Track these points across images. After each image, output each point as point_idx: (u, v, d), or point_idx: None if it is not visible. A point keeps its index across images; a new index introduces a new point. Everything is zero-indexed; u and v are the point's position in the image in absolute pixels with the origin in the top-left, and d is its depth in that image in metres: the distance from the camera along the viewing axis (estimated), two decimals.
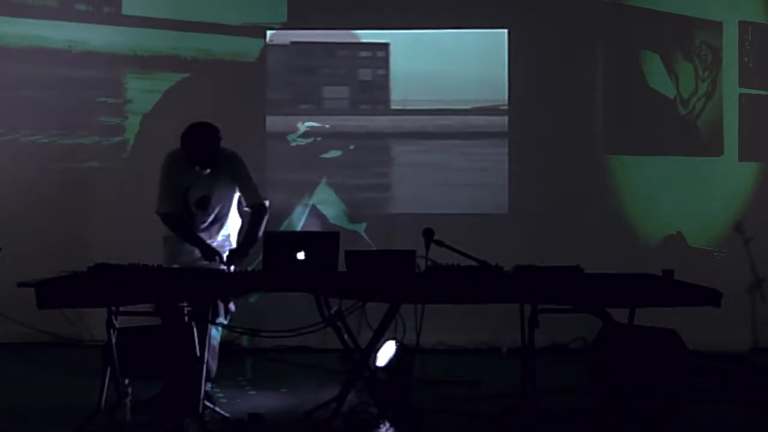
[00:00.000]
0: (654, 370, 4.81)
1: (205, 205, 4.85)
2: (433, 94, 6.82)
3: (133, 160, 6.78)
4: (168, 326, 4.58)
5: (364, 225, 6.76)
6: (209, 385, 4.76)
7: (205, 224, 4.89)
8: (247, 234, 4.86)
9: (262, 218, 4.86)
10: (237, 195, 4.98)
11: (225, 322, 4.83)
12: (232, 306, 4.85)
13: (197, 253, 4.79)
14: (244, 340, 6.34)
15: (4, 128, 6.83)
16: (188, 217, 4.85)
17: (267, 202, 4.93)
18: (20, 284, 4.07)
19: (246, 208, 4.97)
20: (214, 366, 4.82)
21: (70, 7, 6.82)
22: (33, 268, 4.79)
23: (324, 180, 6.82)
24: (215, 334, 4.77)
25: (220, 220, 4.94)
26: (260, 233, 4.81)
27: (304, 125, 6.83)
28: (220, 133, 4.79)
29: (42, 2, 6.79)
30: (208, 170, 4.77)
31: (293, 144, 6.83)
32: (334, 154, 6.86)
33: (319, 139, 6.85)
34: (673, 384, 5.08)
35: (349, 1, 6.82)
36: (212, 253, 4.73)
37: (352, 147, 6.86)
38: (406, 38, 6.82)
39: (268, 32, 6.82)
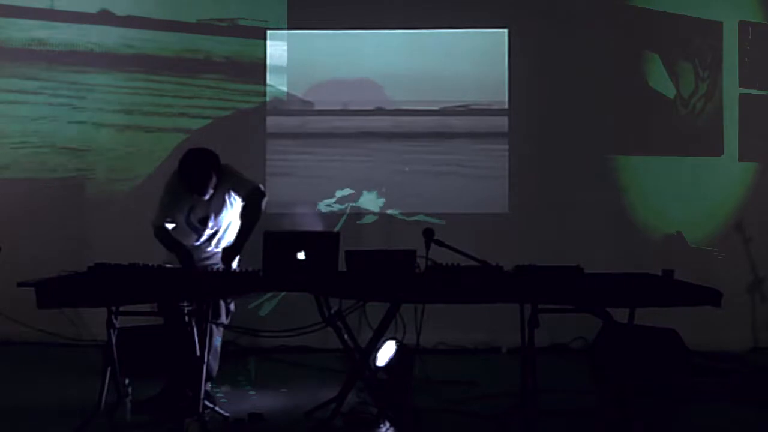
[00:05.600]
0: (654, 370, 4.81)
1: (205, 223, 4.88)
2: (433, 94, 6.81)
3: (133, 161, 6.78)
4: (168, 326, 4.58)
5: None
6: (209, 385, 4.77)
7: (206, 237, 4.92)
8: (244, 220, 4.78)
9: (260, 200, 4.80)
10: (236, 202, 4.94)
11: (225, 323, 4.83)
12: (232, 306, 4.85)
13: (198, 254, 4.81)
14: (245, 341, 6.33)
15: (5, 129, 6.84)
16: (192, 231, 4.86)
17: (261, 186, 4.89)
18: (20, 284, 4.08)
19: (242, 202, 4.90)
20: (215, 366, 4.82)
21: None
22: (33, 268, 4.79)
23: (323, 179, 6.82)
24: (217, 334, 4.77)
25: (219, 232, 4.95)
26: (259, 213, 4.77)
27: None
28: (216, 160, 4.76)
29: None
30: (205, 197, 4.78)
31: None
32: (332, 153, 6.86)
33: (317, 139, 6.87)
34: (673, 384, 5.09)
35: (348, 1, 6.82)
36: (190, 266, 4.69)
37: (349, 147, 6.86)
38: (405, 38, 6.82)
39: (268, 32, 6.83)
